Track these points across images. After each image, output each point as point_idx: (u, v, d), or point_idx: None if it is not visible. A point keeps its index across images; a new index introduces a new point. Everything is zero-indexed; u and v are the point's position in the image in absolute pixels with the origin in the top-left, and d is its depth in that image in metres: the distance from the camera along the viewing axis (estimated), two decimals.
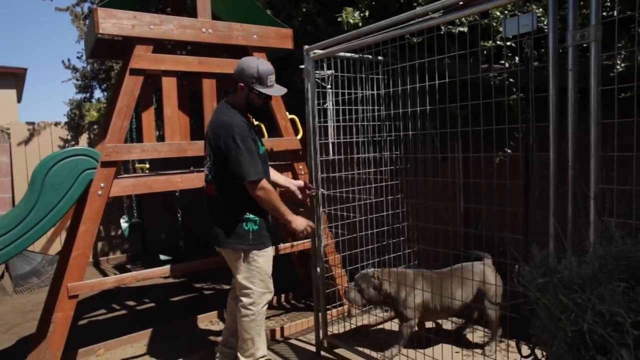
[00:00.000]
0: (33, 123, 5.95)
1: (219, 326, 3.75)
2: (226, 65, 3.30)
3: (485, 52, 2.98)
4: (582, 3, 1.99)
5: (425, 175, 3.12)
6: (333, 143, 3.07)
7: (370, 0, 3.59)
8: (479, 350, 2.88)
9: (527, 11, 2.60)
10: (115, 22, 2.84)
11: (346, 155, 3.10)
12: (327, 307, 3.12)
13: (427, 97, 2.70)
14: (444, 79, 2.37)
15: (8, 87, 11.22)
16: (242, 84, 2.53)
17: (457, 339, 3.11)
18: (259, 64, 2.53)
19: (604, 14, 2.60)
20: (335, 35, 2.74)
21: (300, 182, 3.04)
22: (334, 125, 3.07)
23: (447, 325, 3.34)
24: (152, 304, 4.44)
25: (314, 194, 2.98)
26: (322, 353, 3.09)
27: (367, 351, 2.86)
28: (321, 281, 3.06)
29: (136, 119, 5.00)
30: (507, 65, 2.93)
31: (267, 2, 4.53)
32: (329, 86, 3.03)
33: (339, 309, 3.65)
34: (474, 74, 2.56)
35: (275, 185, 4.13)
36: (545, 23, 2.67)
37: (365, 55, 2.91)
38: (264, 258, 2.65)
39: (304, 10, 4.17)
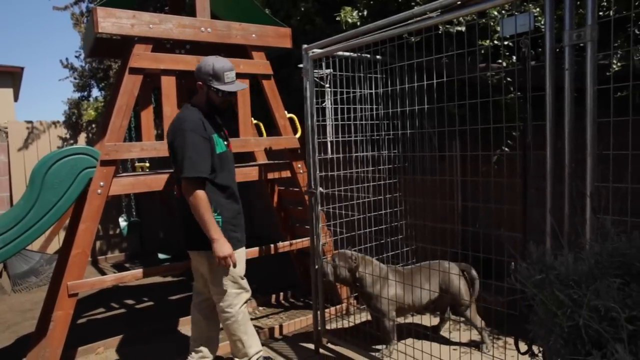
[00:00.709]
0: (31, 122, 5.94)
1: None
2: None
3: (482, 52, 2.99)
4: (578, 3, 2.01)
5: (423, 174, 3.14)
6: (331, 142, 3.08)
7: None
8: (475, 348, 2.90)
9: (524, 11, 2.62)
10: (114, 21, 2.85)
11: (344, 154, 3.12)
12: (326, 305, 3.14)
13: (425, 96, 2.72)
14: (441, 78, 2.39)
15: (5, 86, 11.17)
16: (200, 83, 2.53)
17: (454, 336, 3.13)
18: (215, 61, 2.51)
19: (600, 13, 2.62)
20: (334, 35, 2.75)
21: None
22: (332, 124, 3.08)
23: (444, 324, 3.36)
24: (151, 303, 4.45)
25: None
26: (321, 351, 3.11)
27: (365, 348, 2.88)
28: (320, 279, 3.08)
29: (135, 118, 5.01)
30: (504, 64, 2.95)
31: (265, 1, 4.54)
32: (327, 85, 3.04)
33: (338, 307, 3.67)
34: (472, 73, 2.58)
35: (273, 184, 4.17)
36: (542, 23, 2.69)
37: (363, 55, 2.92)
38: (236, 260, 2.55)
39: (303, 9, 4.19)
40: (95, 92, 8.00)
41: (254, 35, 3.40)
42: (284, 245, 3.66)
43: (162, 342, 3.44)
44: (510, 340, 2.88)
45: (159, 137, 4.80)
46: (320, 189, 3.03)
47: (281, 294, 4.25)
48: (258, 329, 3.49)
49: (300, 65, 2.98)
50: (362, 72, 3.00)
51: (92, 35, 3.13)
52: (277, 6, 4.47)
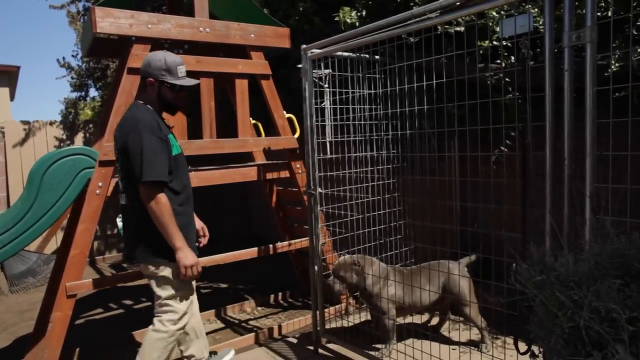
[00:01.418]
0: (28, 122, 5.92)
1: (216, 324, 3.76)
2: (223, 65, 3.31)
3: (481, 52, 3.00)
4: (576, 3, 2.01)
5: (422, 174, 3.15)
6: (330, 142, 3.08)
7: None
8: (476, 348, 2.91)
9: (523, 12, 2.63)
10: (112, 21, 2.84)
11: (343, 154, 3.12)
12: (325, 305, 3.14)
13: (424, 97, 2.72)
14: (440, 78, 2.39)
15: (1, 85, 11.13)
16: (151, 79, 2.34)
17: (453, 336, 3.14)
18: (166, 55, 2.35)
19: (598, 14, 2.63)
20: (332, 35, 2.75)
21: (200, 223, 2.75)
22: (331, 124, 3.08)
23: (444, 323, 3.37)
24: (150, 303, 4.43)
25: (202, 245, 2.72)
26: (320, 351, 3.11)
27: (363, 348, 2.88)
28: (319, 279, 3.08)
29: None
30: (503, 64, 2.96)
31: (264, 1, 4.53)
32: (326, 85, 3.04)
33: (337, 306, 3.67)
34: (471, 73, 2.58)
35: (271, 184, 4.17)
36: (540, 23, 2.70)
37: (362, 55, 2.92)
38: None
39: (301, 9, 4.18)
40: (93, 92, 7.98)
41: (252, 35, 3.40)
42: (282, 246, 3.65)
43: None
44: (509, 340, 2.89)
45: None
46: (320, 189, 3.03)
47: (280, 294, 4.25)
48: (257, 329, 3.49)
49: (299, 66, 2.98)
50: (361, 73, 3.00)
51: (89, 35, 3.12)
52: (276, 6, 4.47)
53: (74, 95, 7.93)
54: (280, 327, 3.47)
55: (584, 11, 1.67)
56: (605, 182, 1.66)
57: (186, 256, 2.26)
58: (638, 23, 2.47)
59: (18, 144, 5.81)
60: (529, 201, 1.92)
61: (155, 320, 2.39)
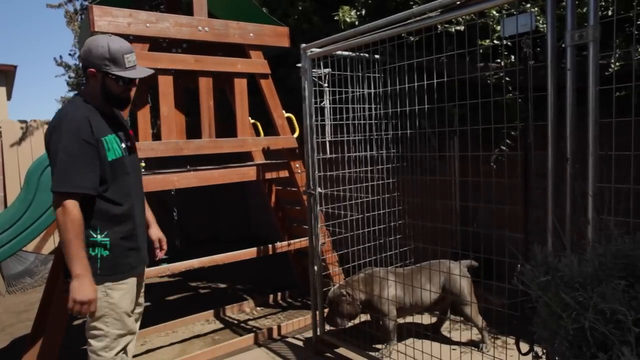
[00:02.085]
0: (25, 121, 5.89)
1: (215, 325, 3.75)
2: (222, 64, 3.29)
3: (481, 51, 2.99)
4: (577, 2, 2.00)
5: (422, 174, 3.14)
6: (330, 141, 3.07)
7: None
8: (476, 348, 2.90)
9: (523, 11, 2.62)
10: (111, 20, 2.82)
11: (343, 153, 3.10)
12: (324, 305, 3.13)
13: (425, 96, 2.71)
14: (440, 77, 2.38)
15: None
16: (92, 70, 1.98)
17: (454, 336, 3.13)
18: (110, 41, 1.99)
19: (599, 13, 2.62)
20: (332, 34, 2.74)
21: (158, 234, 2.42)
22: (330, 124, 3.07)
23: (443, 323, 3.36)
24: (148, 303, 4.40)
25: (157, 258, 2.42)
26: (320, 351, 3.09)
27: (364, 348, 2.87)
28: (318, 279, 3.07)
29: (130, 117, 4.97)
30: (503, 64, 2.95)
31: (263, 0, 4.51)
32: (325, 84, 3.03)
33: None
34: (471, 73, 2.57)
35: (270, 184, 4.15)
36: (540, 22, 2.69)
37: (362, 54, 2.91)
38: (122, 292, 2.04)
39: (300, 8, 4.17)
40: None
41: (251, 34, 3.38)
42: (282, 246, 3.64)
43: (159, 342, 3.41)
44: (510, 340, 2.88)
45: (156, 136, 4.77)
46: (319, 189, 3.01)
47: (279, 294, 4.24)
48: (256, 330, 3.48)
49: (299, 65, 2.96)
50: (360, 72, 2.99)
51: (87, 34, 3.09)
52: (275, 5, 4.45)
53: (71, 94, 7.90)
54: (279, 327, 3.45)
55: (584, 10, 1.67)
56: (608, 181, 1.65)
57: (80, 289, 1.86)
58: (638, 22, 2.46)
59: (15, 143, 5.78)
60: (530, 200, 1.91)
61: (88, 349, 2.06)
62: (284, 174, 3.71)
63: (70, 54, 10.11)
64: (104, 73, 1.99)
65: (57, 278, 2.86)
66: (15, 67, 11.22)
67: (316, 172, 2.98)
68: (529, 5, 2.74)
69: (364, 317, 3.48)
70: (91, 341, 2.03)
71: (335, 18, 3.60)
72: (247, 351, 3.20)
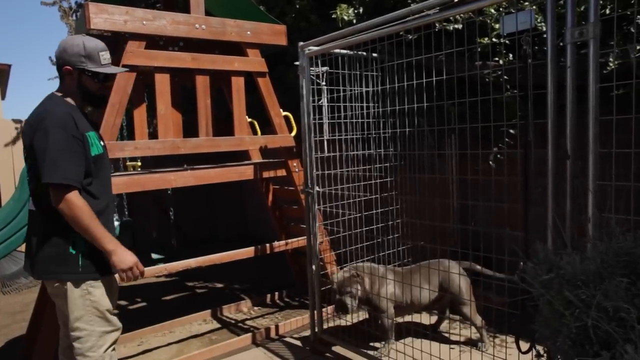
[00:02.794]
0: (20, 120, 5.85)
1: (212, 325, 3.73)
2: (219, 62, 3.27)
3: (479, 49, 2.99)
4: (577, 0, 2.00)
5: (420, 172, 3.13)
6: (328, 140, 3.06)
7: None
8: (475, 347, 2.90)
9: (521, 9, 2.62)
10: (107, 18, 2.79)
11: (341, 152, 3.09)
12: (322, 304, 3.12)
13: (424, 94, 2.70)
14: (439, 75, 2.37)
15: None
16: (68, 67, 2.00)
17: (452, 335, 3.13)
18: (85, 39, 2.04)
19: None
20: (329, 32, 2.73)
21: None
22: (328, 122, 3.06)
23: (442, 323, 3.36)
24: (144, 303, 4.39)
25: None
26: (318, 350, 3.08)
27: (362, 347, 2.86)
28: (316, 278, 3.06)
29: (126, 116, 4.94)
30: (501, 62, 2.95)
31: None
32: (323, 83, 3.01)
33: (334, 306, 3.65)
34: (469, 71, 2.57)
35: (268, 183, 4.14)
36: (539, 20, 2.69)
37: (360, 52, 2.90)
38: (103, 290, 2.05)
39: (298, 6, 4.16)
40: None
41: (248, 33, 3.36)
42: (279, 245, 3.62)
43: (156, 342, 3.39)
44: (509, 339, 2.88)
45: (152, 135, 4.74)
46: (317, 188, 3.00)
47: (276, 293, 4.22)
48: (254, 329, 3.46)
49: (296, 63, 2.95)
50: (358, 70, 2.98)
51: (83, 31, 3.06)
52: (272, 3, 4.43)
53: None
54: (277, 327, 3.44)
55: (583, 8, 1.66)
56: (608, 179, 1.65)
57: (122, 259, 1.97)
58: (637, 21, 2.46)
59: (10, 142, 5.74)
60: (530, 198, 1.90)
61: (74, 351, 2.04)
62: (282, 172, 3.70)
63: None
64: (80, 70, 2.01)
65: None
66: (9, 66, 11.13)
67: (314, 170, 2.96)
68: (527, 3, 2.73)
69: (362, 317, 3.47)
70: (76, 344, 2.02)
71: (333, 16, 3.59)
72: (245, 351, 3.18)
